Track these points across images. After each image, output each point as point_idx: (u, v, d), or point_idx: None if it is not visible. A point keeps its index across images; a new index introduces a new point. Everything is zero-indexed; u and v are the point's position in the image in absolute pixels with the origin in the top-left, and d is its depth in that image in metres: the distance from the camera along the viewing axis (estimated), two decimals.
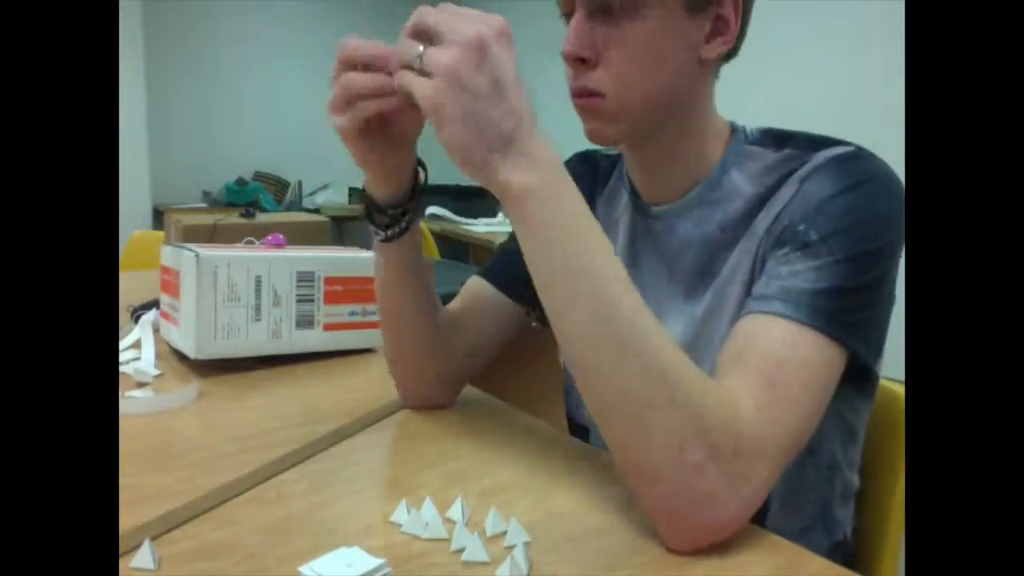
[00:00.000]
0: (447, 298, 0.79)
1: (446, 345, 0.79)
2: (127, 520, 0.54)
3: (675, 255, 0.75)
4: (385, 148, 0.66)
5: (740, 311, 0.65)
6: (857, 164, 0.65)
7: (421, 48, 0.53)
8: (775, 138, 0.72)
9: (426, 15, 0.54)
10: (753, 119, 0.76)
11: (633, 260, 0.79)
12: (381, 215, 0.70)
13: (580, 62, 0.67)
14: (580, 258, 0.53)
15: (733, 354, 0.59)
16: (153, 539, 0.52)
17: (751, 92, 3.17)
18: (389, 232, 0.71)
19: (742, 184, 0.71)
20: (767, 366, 0.57)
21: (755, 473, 0.53)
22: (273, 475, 0.64)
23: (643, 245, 0.79)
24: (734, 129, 0.75)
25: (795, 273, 0.61)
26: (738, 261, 0.70)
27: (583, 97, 0.68)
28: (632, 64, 0.65)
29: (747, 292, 0.68)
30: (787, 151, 0.70)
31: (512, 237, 0.93)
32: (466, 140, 0.52)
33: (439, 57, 0.52)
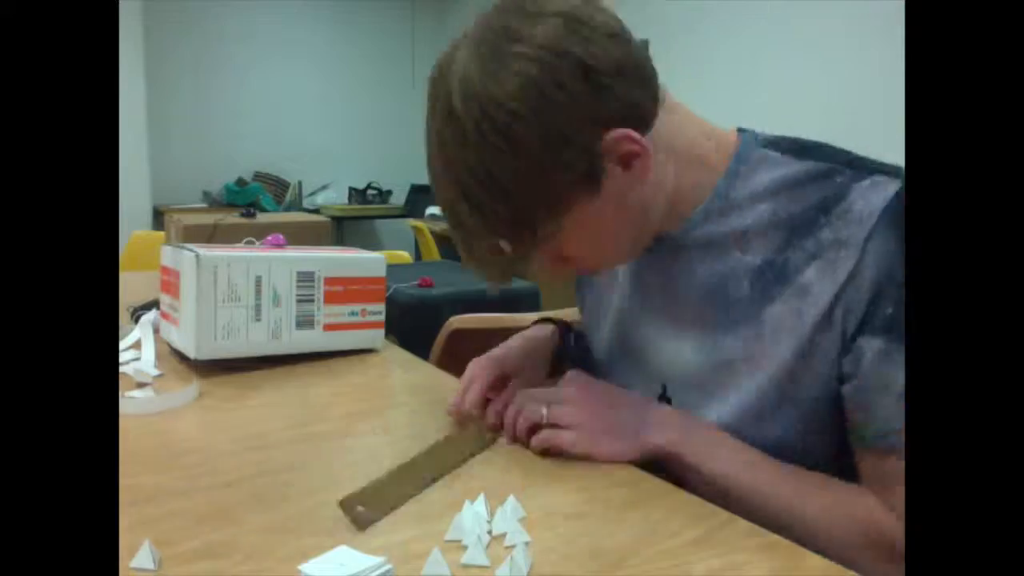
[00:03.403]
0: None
1: None
2: (127, 520, 0.54)
3: (682, 276, 0.72)
4: None
5: (788, 376, 0.65)
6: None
7: (545, 410, 0.68)
8: (792, 145, 0.68)
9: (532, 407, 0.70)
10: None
11: (636, 287, 0.77)
12: None
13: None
14: (725, 491, 0.64)
15: (895, 486, 0.62)
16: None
17: (752, 92, 3.17)
18: None
19: (757, 194, 0.67)
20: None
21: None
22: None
23: (648, 271, 0.76)
24: (740, 132, 0.71)
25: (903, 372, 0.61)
26: (782, 319, 0.65)
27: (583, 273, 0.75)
28: (593, 251, 0.68)
29: (801, 356, 0.64)
30: (810, 164, 0.66)
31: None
32: (621, 447, 0.67)
33: (563, 414, 0.68)
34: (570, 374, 0.73)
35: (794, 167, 0.67)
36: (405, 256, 2.62)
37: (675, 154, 0.67)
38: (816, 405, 0.65)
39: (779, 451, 0.67)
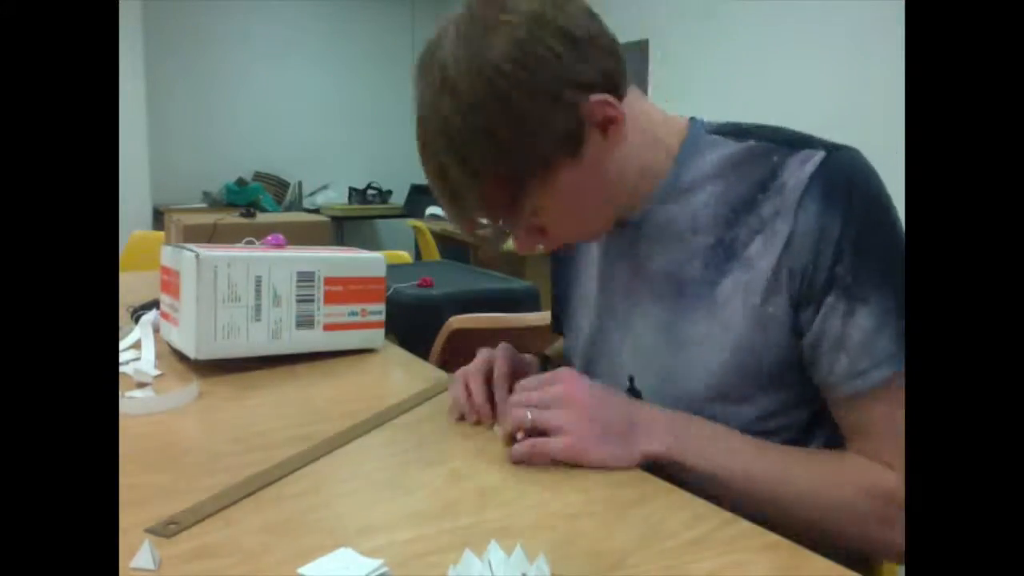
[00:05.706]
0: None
1: None
2: (127, 520, 0.54)
3: (643, 259, 0.75)
4: None
5: (747, 351, 0.68)
6: (839, 173, 0.65)
7: (529, 415, 0.67)
8: (734, 129, 0.72)
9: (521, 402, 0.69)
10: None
11: (606, 267, 0.80)
12: None
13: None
14: (723, 483, 0.65)
15: (879, 436, 0.65)
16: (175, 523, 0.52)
17: (754, 92, 3.17)
18: None
19: (703, 176, 0.71)
20: (899, 429, 0.61)
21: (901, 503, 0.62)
22: (280, 477, 0.63)
23: (614, 252, 0.78)
24: (692, 121, 0.74)
25: (858, 325, 0.64)
26: (732, 294, 0.68)
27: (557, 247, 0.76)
28: (570, 221, 0.71)
29: (756, 324, 0.67)
30: (750, 143, 0.70)
31: (553, 281, 0.94)
32: (611, 452, 0.65)
33: (551, 417, 0.66)
34: (559, 371, 0.70)
35: (734, 147, 0.71)
36: (405, 256, 2.62)
37: (639, 132, 0.70)
38: (782, 376, 0.68)
39: (760, 431, 0.69)
